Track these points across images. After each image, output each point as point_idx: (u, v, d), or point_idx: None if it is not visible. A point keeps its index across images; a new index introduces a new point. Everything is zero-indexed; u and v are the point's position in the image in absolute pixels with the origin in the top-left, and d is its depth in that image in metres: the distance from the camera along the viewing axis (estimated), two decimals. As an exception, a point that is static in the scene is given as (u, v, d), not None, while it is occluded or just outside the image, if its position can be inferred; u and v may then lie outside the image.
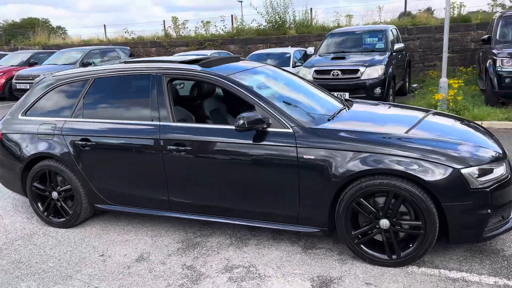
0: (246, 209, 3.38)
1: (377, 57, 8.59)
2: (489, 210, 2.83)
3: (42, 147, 3.95)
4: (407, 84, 11.07)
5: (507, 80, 7.66)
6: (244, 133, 3.26)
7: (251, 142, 3.24)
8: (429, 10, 16.43)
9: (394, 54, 9.21)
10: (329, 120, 3.41)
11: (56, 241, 3.83)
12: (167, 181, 3.54)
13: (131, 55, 16.61)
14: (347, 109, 3.81)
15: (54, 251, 3.64)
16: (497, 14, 9.85)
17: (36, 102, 4.14)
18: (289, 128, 3.18)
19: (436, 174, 2.82)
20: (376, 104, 4.32)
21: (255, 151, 3.23)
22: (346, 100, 4.33)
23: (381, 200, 3.03)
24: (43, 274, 3.27)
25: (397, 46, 9.24)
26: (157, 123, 3.55)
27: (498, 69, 7.83)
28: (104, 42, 19.35)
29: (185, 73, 3.63)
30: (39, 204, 4.14)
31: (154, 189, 3.63)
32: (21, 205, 4.77)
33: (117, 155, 3.69)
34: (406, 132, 3.18)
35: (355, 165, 2.95)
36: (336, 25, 15.53)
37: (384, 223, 2.98)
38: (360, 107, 3.93)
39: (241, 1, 31.24)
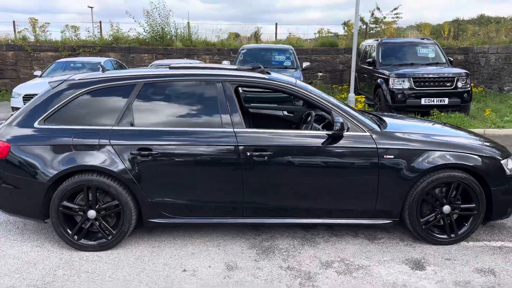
0: (325, 208, 3.64)
1: (295, 74, 9.48)
2: (515, 192, 3.76)
3: (81, 159, 3.44)
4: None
5: (399, 96, 9.40)
6: (325, 137, 3.54)
7: (333, 145, 3.53)
8: (256, 34, 18.12)
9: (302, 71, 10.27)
10: (378, 126, 3.91)
11: (109, 265, 3.38)
12: (243, 187, 3.54)
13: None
14: (379, 117, 4.37)
15: (120, 274, 3.23)
16: (370, 42, 11.89)
17: (60, 109, 3.57)
18: (366, 132, 3.60)
19: (487, 165, 3.61)
20: (397, 116, 4.98)
21: (338, 154, 3.54)
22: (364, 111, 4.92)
23: (437, 190, 3.68)
24: (140, 298, 2.93)
25: (305, 64, 10.34)
26: (231, 129, 3.53)
27: (391, 87, 9.55)
28: None
29: (254, 80, 3.71)
30: (66, 227, 3.55)
31: (228, 196, 3.57)
32: (10, 231, 3.95)
33: (185, 164, 3.51)
34: (443, 135, 3.93)
35: (429, 161, 3.54)
36: (220, 41, 16.14)
37: (447, 208, 3.64)
38: (389, 118, 4.49)
39: (91, 7, 29.17)
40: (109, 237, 3.58)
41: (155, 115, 3.60)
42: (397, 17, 17.86)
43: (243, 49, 10.70)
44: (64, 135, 3.49)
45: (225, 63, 10.63)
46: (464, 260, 3.45)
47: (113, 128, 3.52)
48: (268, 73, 4.01)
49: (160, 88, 3.64)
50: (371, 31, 18.15)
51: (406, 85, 9.40)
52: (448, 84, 9.39)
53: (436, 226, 3.75)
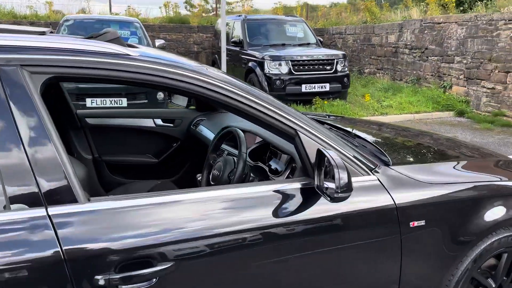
0: None
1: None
2: None
3: None
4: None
5: (277, 82, 7.83)
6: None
7: (313, 207, 1.52)
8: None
9: (155, 51, 7.89)
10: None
11: None
12: None
13: None
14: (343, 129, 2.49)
15: None
16: (231, 18, 10.09)
17: None
18: (371, 174, 1.66)
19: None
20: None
21: (330, 234, 1.54)
22: None
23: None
24: None
25: (159, 43, 7.97)
26: (42, 210, 1.20)
27: (267, 72, 7.91)
28: None
29: (104, 66, 1.38)
30: None
31: None
32: None
33: None
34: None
35: (485, 220, 1.82)
36: (34, 13, 12.34)
37: (501, 292, 2.00)
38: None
39: None
40: None
41: None
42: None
43: (67, 20, 7.62)
44: None
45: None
46: None
47: None
48: (133, 46, 1.72)
49: None
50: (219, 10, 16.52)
51: (284, 69, 7.87)
52: (328, 67, 8.17)
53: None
